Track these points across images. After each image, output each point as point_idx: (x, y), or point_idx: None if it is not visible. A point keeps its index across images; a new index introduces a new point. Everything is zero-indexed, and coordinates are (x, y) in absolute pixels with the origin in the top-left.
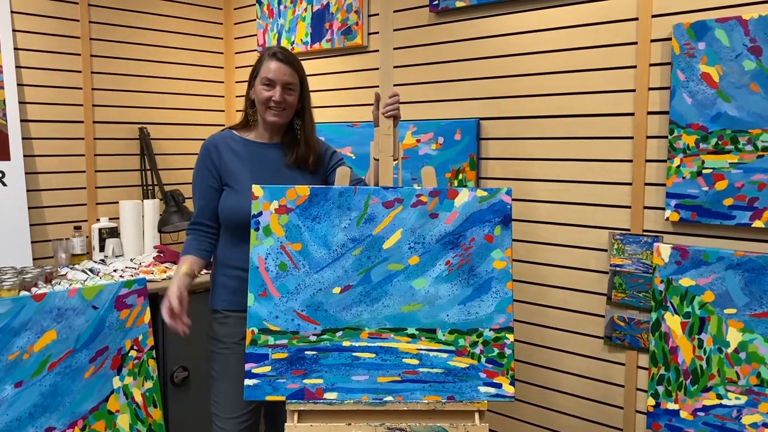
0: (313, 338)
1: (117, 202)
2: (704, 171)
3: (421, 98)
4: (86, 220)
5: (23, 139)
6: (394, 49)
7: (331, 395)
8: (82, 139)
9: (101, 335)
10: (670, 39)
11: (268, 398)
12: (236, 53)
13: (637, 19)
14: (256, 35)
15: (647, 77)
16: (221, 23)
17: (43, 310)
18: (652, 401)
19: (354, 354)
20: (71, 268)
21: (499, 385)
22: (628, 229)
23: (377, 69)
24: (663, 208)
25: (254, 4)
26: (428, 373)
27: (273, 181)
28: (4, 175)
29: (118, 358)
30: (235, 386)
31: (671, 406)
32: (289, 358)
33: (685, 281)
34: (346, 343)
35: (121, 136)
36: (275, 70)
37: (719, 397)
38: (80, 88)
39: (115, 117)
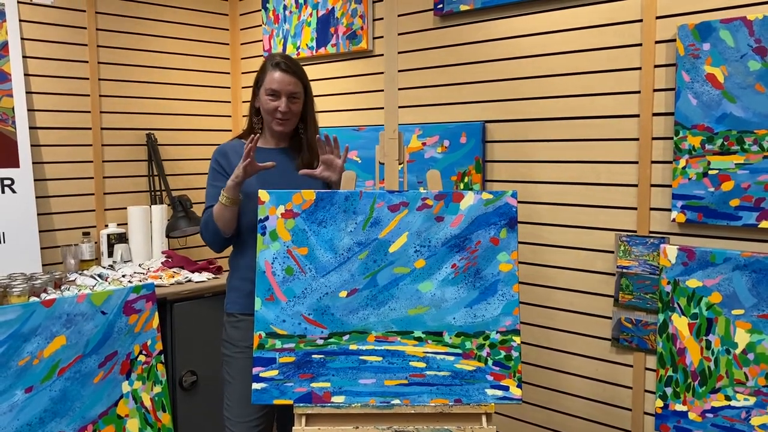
0: (320, 342)
1: (125, 208)
2: (710, 172)
3: (427, 101)
4: (95, 226)
5: (32, 146)
6: (399, 53)
7: (338, 399)
8: (90, 145)
9: (110, 340)
10: (674, 40)
11: (276, 402)
12: (242, 59)
13: (641, 20)
14: (261, 41)
15: (652, 79)
16: (227, 29)
17: (52, 316)
18: (660, 403)
19: (361, 357)
20: (80, 274)
21: (506, 388)
22: (635, 231)
23: (382, 73)
24: (669, 210)
25: (260, 10)
26: (435, 376)
27: (281, 185)
28: (13, 182)
29: (127, 363)
30: (248, 390)
31: (679, 407)
32: (297, 361)
33: (692, 282)
34: (353, 347)
35: (129, 142)
36: (279, 80)
37: (728, 398)
38: (88, 95)
39: (123, 123)
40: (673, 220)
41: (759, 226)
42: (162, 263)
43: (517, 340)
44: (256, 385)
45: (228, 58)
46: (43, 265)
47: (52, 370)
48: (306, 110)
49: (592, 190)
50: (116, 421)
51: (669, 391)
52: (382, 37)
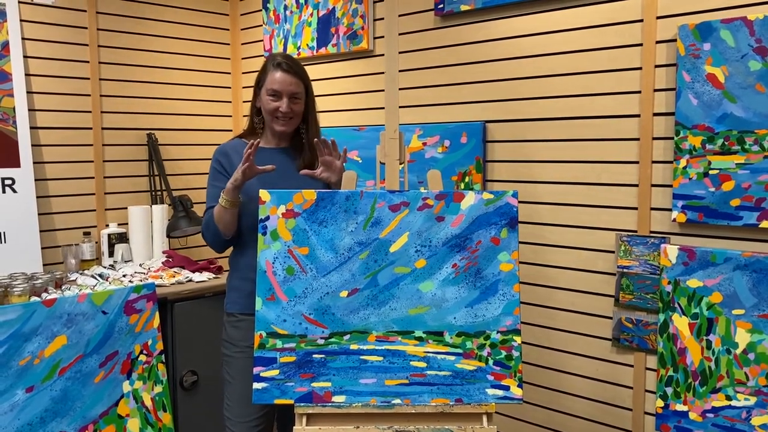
0: (320, 342)
1: (126, 208)
2: (711, 172)
3: (427, 101)
4: (95, 226)
5: (33, 146)
6: (400, 53)
7: (339, 398)
8: (91, 145)
9: (111, 340)
10: (675, 40)
11: (277, 401)
12: (243, 59)
13: (642, 20)
14: (262, 41)
15: (653, 79)
16: (228, 29)
17: (53, 316)
18: (660, 403)
19: (362, 357)
20: (81, 274)
21: (506, 388)
22: (635, 231)
23: (383, 73)
24: (670, 209)
25: (260, 10)
26: (436, 376)
27: (282, 185)
28: (14, 182)
29: (127, 363)
30: (248, 390)
31: (680, 407)
32: (298, 361)
33: (693, 282)
34: (353, 347)
35: (130, 142)
36: (281, 81)
37: (728, 398)
38: (89, 95)
39: (124, 123)
40: (674, 220)
41: (759, 225)
42: (162, 263)
43: (518, 339)
44: (257, 385)
45: (229, 58)
46: (43, 265)
47: (53, 370)
48: (307, 110)
49: (593, 190)
50: (117, 420)
51: (669, 391)
52: (382, 37)
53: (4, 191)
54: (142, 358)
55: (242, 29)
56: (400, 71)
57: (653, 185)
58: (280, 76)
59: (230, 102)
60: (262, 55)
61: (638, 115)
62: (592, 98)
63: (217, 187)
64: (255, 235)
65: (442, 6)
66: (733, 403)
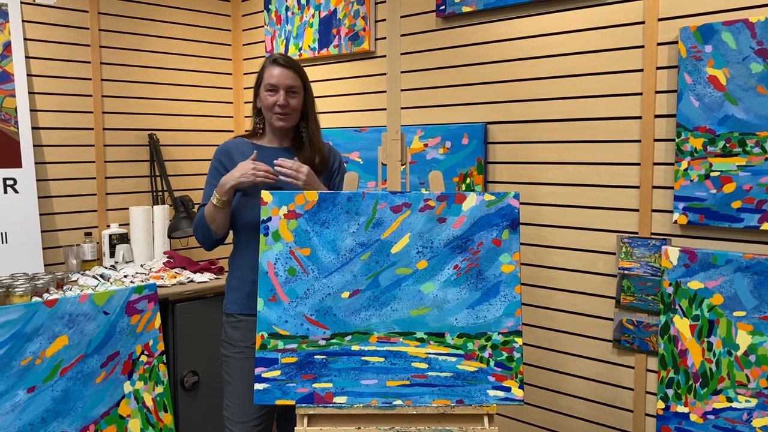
0: (322, 342)
1: (127, 209)
2: (712, 174)
3: (429, 103)
4: (97, 227)
5: (34, 146)
6: (402, 54)
7: (340, 399)
8: (92, 146)
9: (112, 340)
10: (676, 42)
11: (278, 402)
12: (245, 59)
13: (643, 22)
14: (264, 41)
15: (654, 80)
16: (229, 30)
17: (54, 316)
18: (661, 404)
19: (363, 358)
20: (82, 274)
21: (508, 389)
22: (636, 232)
23: (385, 74)
24: (671, 211)
25: (262, 11)
26: (437, 377)
27: (283, 185)
28: (15, 182)
29: (129, 363)
30: (247, 390)
31: (681, 409)
32: (299, 362)
33: (694, 284)
34: (355, 348)
35: (131, 143)
36: (277, 75)
37: (729, 400)
38: (90, 96)
39: (125, 124)
40: (675, 221)
41: (761, 227)
42: (164, 264)
43: (519, 341)
44: (258, 386)
45: (230, 59)
46: (45, 265)
47: (55, 370)
48: (306, 107)
49: (594, 192)
50: (118, 421)
51: (670, 392)
52: (384, 38)
53: (5, 191)
54: (144, 358)
55: (244, 30)
56: (401, 72)
57: (654, 187)
58: (277, 71)
59: (231, 103)
60: (264, 56)
61: (639, 117)
62: (594, 100)
63: (215, 186)
64: (254, 236)
65: (443, 7)
66: (734, 404)
